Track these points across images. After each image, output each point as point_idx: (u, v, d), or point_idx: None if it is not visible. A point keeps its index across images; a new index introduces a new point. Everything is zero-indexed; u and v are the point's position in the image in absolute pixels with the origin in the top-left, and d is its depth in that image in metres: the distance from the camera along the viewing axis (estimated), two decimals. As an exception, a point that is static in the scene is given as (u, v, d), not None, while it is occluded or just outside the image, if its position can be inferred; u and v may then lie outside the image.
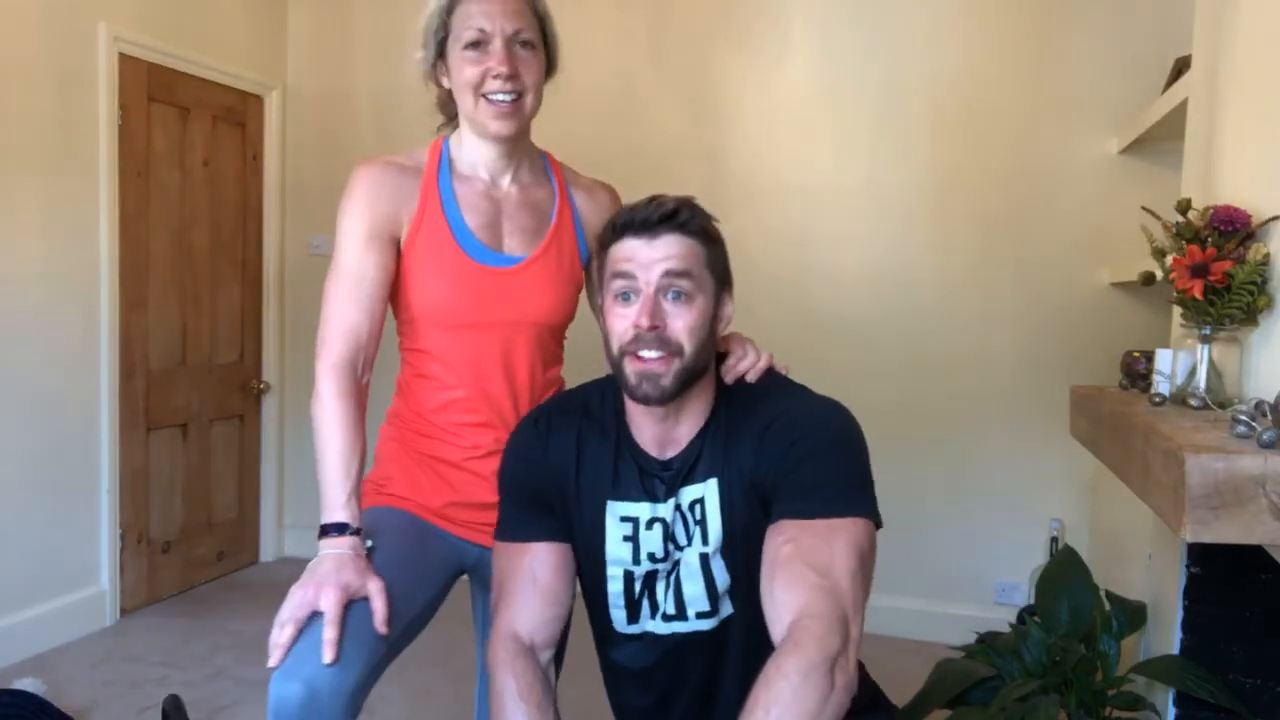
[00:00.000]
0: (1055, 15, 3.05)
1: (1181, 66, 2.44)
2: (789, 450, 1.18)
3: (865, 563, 1.13)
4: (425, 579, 1.36)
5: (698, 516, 1.25)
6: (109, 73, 3.10)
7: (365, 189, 1.37)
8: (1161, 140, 2.70)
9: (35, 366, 2.93)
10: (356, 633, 1.16)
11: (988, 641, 2.07)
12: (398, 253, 1.39)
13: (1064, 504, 3.10)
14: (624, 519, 1.28)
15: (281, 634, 1.13)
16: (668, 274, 1.18)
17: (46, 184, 2.93)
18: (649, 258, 1.18)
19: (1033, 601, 2.17)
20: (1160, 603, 1.94)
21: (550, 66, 1.44)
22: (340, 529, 1.24)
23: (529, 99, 1.39)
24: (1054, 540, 3.02)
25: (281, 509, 4.01)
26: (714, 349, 1.26)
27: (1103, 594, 2.04)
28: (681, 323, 1.18)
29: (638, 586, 1.29)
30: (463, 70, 1.36)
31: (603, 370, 1.33)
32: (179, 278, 3.48)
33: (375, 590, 1.19)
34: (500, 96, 1.35)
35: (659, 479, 1.27)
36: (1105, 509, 2.82)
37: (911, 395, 3.19)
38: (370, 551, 1.27)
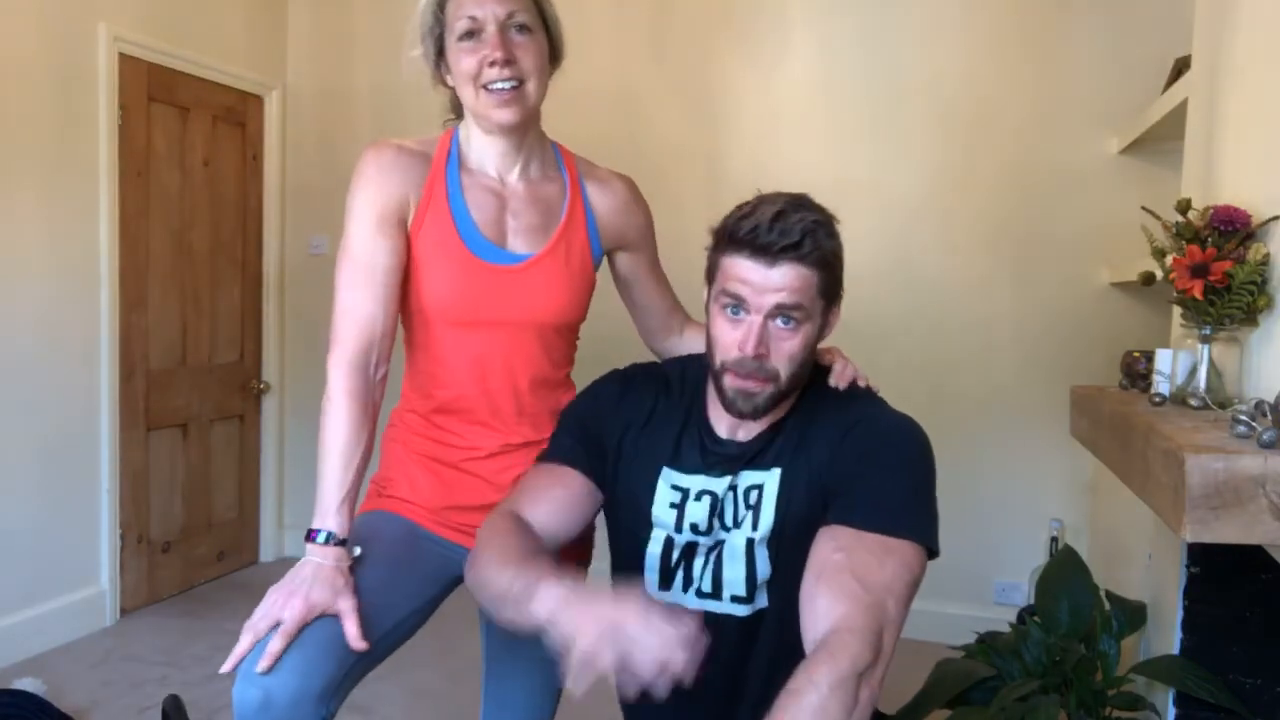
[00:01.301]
0: (1055, 15, 3.05)
1: (1181, 66, 2.44)
2: (866, 456, 1.19)
3: (912, 589, 1.12)
4: (412, 591, 1.34)
5: (752, 501, 1.25)
6: (109, 73, 3.10)
7: (375, 171, 1.33)
8: (1161, 140, 2.70)
9: (35, 366, 2.93)
10: (322, 640, 1.15)
11: (988, 641, 2.06)
12: (408, 238, 1.34)
13: (1064, 504, 3.11)
14: (675, 487, 1.28)
15: (240, 643, 1.14)
16: (779, 306, 1.16)
17: (46, 184, 2.93)
18: (763, 285, 1.15)
19: (1033, 601, 2.17)
20: (1160, 603, 1.94)
21: (554, 52, 1.39)
22: (327, 537, 1.22)
23: (530, 85, 1.33)
24: (1054, 540, 3.02)
25: (281, 509, 4.01)
26: (811, 364, 1.26)
27: (1103, 594, 2.04)
28: (786, 348, 1.18)
29: (675, 554, 1.28)
30: (459, 62, 1.32)
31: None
32: (179, 278, 3.48)
33: (347, 610, 1.17)
34: (499, 84, 1.30)
35: (720, 456, 1.27)
36: (1105, 509, 2.82)
37: (911, 395, 3.15)
38: (356, 562, 1.25)
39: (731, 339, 1.19)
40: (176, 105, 3.44)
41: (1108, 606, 2.01)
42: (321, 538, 1.22)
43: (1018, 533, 3.15)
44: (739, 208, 1.20)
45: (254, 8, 3.77)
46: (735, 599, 1.27)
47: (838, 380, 1.31)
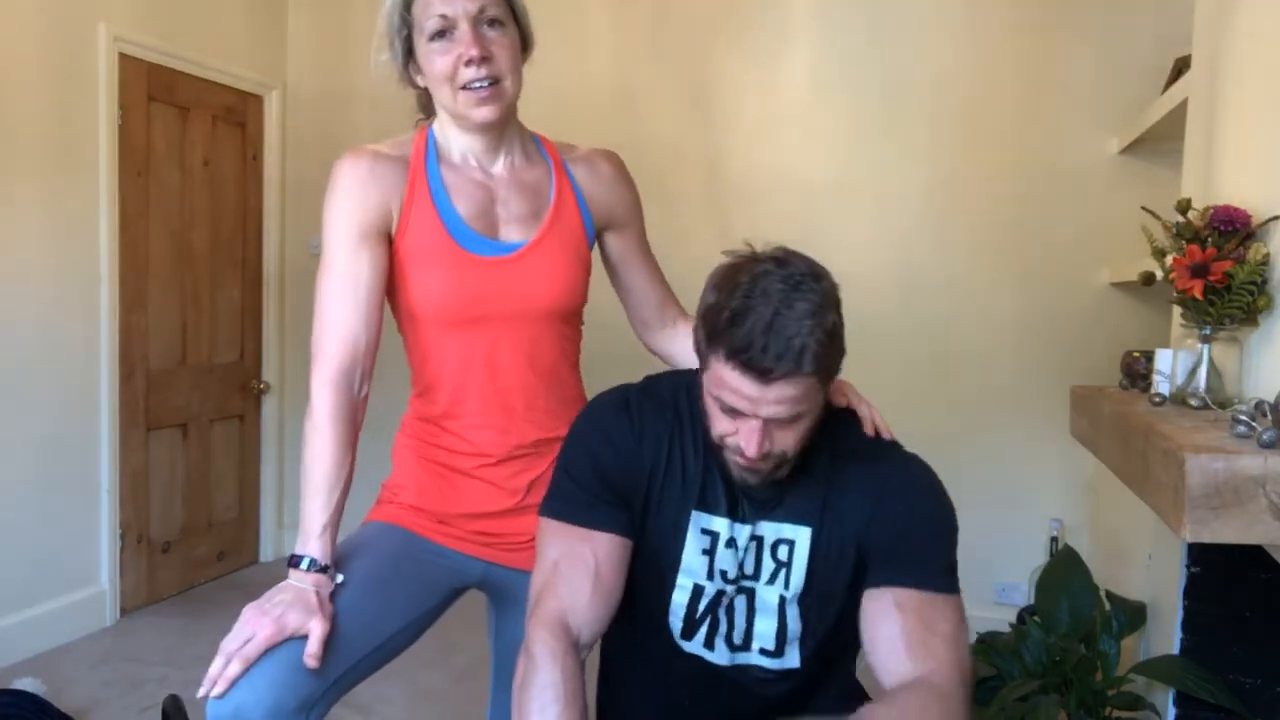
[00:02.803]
0: (1055, 15, 3.05)
1: (1181, 66, 2.43)
2: (910, 518, 1.19)
3: (967, 637, 1.19)
4: (403, 606, 1.31)
5: (782, 558, 1.22)
6: (109, 73, 3.10)
7: (351, 183, 1.29)
8: (1161, 140, 2.70)
9: (35, 366, 2.93)
10: (294, 662, 1.15)
11: (988, 641, 2.07)
12: (391, 248, 1.31)
13: (1064, 504, 3.10)
14: (705, 531, 1.23)
15: (214, 665, 1.14)
16: (777, 417, 1.09)
17: (46, 184, 2.93)
18: (760, 399, 1.07)
19: (1033, 601, 2.18)
20: (1160, 603, 1.94)
21: (525, 43, 1.35)
22: (310, 563, 1.21)
23: (508, 82, 1.30)
24: (1054, 540, 3.02)
25: (281, 509, 4.01)
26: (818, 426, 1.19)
27: (1103, 594, 2.04)
28: (789, 438, 1.12)
29: (703, 604, 1.24)
30: (433, 63, 1.28)
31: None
32: (179, 278, 3.48)
33: (316, 629, 1.16)
34: (477, 84, 1.27)
35: (744, 498, 1.22)
36: (1105, 509, 2.82)
37: (911, 395, 3.18)
38: (346, 574, 1.25)
39: (730, 429, 1.12)
40: (176, 105, 3.44)
41: (1108, 606, 2.01)
42: (304, 564, 1.21)
43: (1018, 533, 3.15)
44: (723, 293, 1.08)
45: (254, 8, 3.77)
46: (764, 652, 1.25)
47: (868, 426, 1.28)
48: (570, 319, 1.42)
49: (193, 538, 3.60)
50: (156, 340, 3.40)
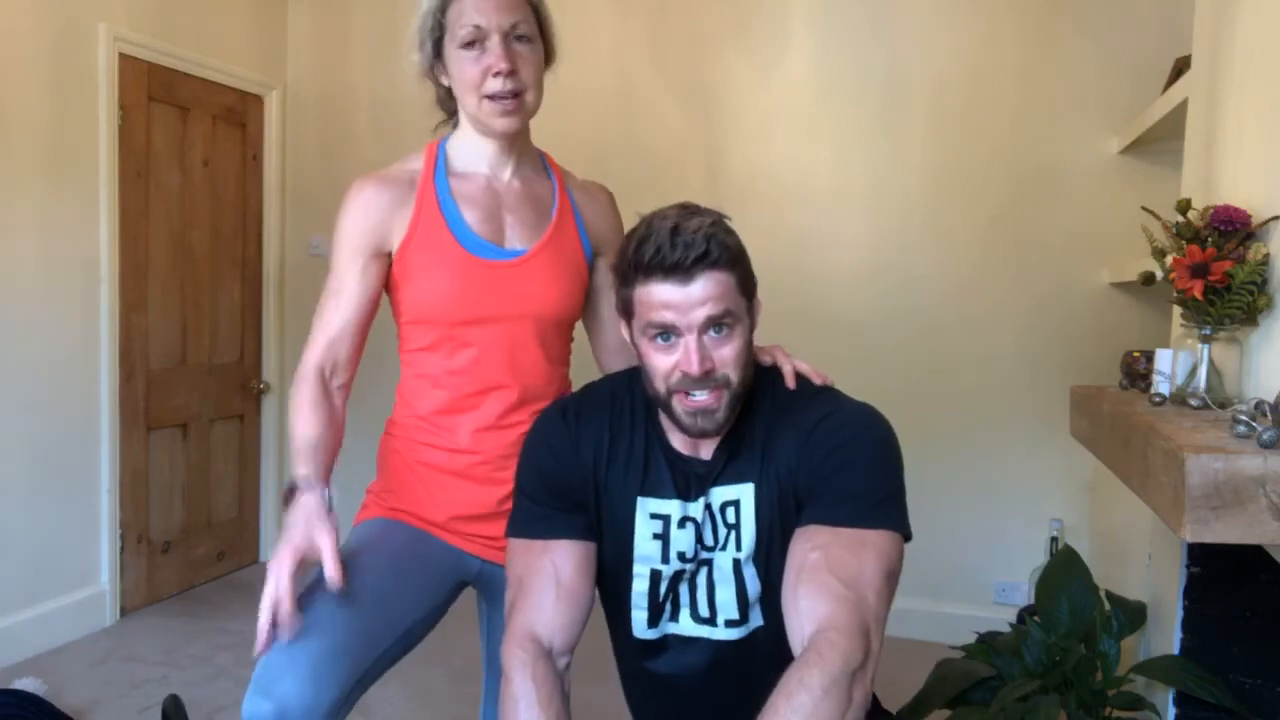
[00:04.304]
0: (1055, 15, 3.05)
1: (1181, 66, 2.43)
2: (830, 455, 1.17)
3: (892, 578, 1.13)
4: (421, 594, 1.35)
5: (730, 520, 1.23)
6: (109, 73, 3.10)
7: (355, 206, 1.39)
8: (1161, 140, 2.70)
9: (35, 366, 2.93)
10: (334, 650, 1.16)
11: (988, 641, 2.06)
12: (388, 265, 1.40)
13: (1064, 504, 3.10)
14: (654, 516, 1.25)
15: (260, 618, 1.18)
16: (710, 319, 1.14)
17: (46, 184, 2.93)
18: (686, 303, 1.13)
19: (1033, 601, 2.17)
20: (1160, 603, 1.94)
21: (549, 56, 1.42)
22: (296, 481, 1.30)
23: (530, 95, 1.37)
24: (1054, 540, 3.02)
25: (281, 509, 4.00)
26: (753, 363, 1.24)
27: (1103, 594, 2.04)
28: (727, 352, 1.16)
29: (663, 587, 1.26)
30: (463, 70, 1.35)
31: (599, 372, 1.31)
32: (179, 278, 3.48)
33: (326, 548, 1.22)
34: (502, 95, 1.34)
35: (690, 476, 1.24)
36: (1105, 509, 2.82)
37: (911, 395, 3.18)
38: (362, 567, 1.28)
39: (669, 363, 1.16)
40: (176, 105, 3.44)
41: (1108, 606, 2.01)
42: (293, 491, 1.29)
43: (1018, 533, 3.15)
44: (629, 236, 1.19)
45: (254, 8, 3.77)
46: (729, 623, 1.26)
47: (790, 380, 1.28)
48: (561, 328, 1.48)
49: (193, 538, 3.60)
50: (156, 340, 3.40)
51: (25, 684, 2.50)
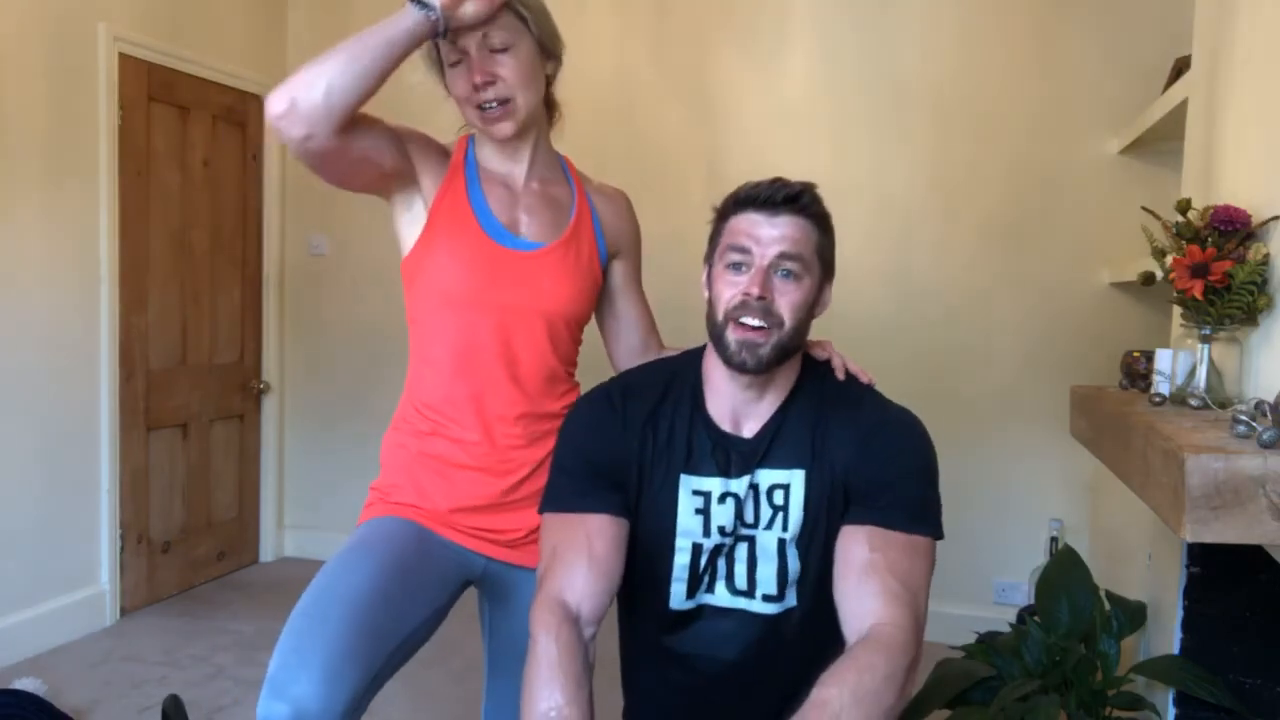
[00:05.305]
0: (1055, 15, 3.05)
1: (1181, 66, 2.43)
2: (890, 461, 1.25)
3: (930, 582, 1.24)
4: (427, 595, 1.34)
5: (779, 502, 1.28)
6: (109, 73, 3.10)
7: (421, 134, 1.46)
8: (1161, 140, 2.70)
9: (35, 366, 2.93)
10: (346, 651, 1.15)
11: (988, 641, 2.07)
12: (402, 165, 1.41)
13: (1064, 504, 3.10)
14: (696, 492, 1.29)
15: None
16: (782, 255, 1.22)
17: (46, 184, 2.93)
18: (767, 235, 1.22)
19: (1033, 601, 2.17)
20: (1160, 603, 1.94)
21: (547, 50, 1.43)
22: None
23: (518, 99, 1.40)
24: (1054, 540, 3.02)
25: (281, 509, 4.01)
26: (808, 332, 1.29)
27: (1103, 594, 2.04)
28: (787, 299, 1.22)
29: (704, 560, 1.30)
30: (454, 86, 1.42)
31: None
32: (179, 278, 3.48)
33: None
34: (487, 105, 1.40)
35: (731, 453, 1.28)
36: (1105, 509, 2.82)
37: (910, 394, 3.16)
38: (368, 568, 1.28)
39: (735, 290, 1.23)
40: (176, 105, 3.44)
41: (1108, 606, 2.01)
42: None
43: (1018, 533, 3.15)
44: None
45: (254, 8, 3.77)
46: (766, 597, 1.30)
47: (839, 372, 1.36)
48: (571, 327, 1.50)
49: (193, 537, 3.60)
50: (156, 340, 3.40)
51: (25, 684, 2.50)
